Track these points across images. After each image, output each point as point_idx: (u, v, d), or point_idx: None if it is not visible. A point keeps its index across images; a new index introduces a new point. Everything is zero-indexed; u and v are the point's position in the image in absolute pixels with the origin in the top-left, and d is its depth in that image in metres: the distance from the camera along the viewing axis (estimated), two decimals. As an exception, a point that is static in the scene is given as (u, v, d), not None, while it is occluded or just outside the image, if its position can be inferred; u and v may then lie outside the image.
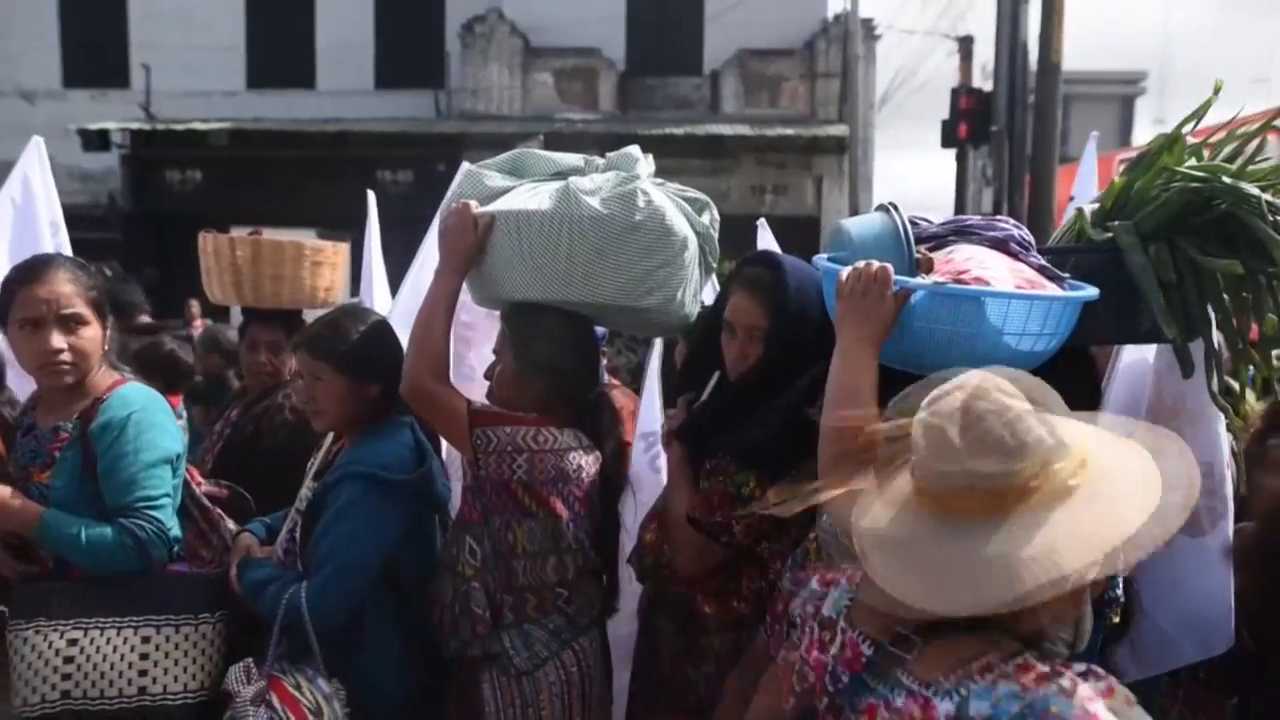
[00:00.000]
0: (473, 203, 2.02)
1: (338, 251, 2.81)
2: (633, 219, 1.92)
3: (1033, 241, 1.83)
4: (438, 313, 1.99)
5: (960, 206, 13.34)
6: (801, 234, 12.29)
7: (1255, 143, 1.91)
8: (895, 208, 1.73)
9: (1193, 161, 1.92)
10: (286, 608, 1.88)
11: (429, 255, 2.56)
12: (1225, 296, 1.83)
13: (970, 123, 12.05)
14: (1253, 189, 1.79)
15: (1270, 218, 1.77)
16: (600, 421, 2.06)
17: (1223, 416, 2.13)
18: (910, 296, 1.57)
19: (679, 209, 2.04)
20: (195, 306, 7.68)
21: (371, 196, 3.34)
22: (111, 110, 13.73)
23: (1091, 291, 1.76)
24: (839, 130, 13.22)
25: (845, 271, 1.59)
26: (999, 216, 1.91)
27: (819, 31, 13.87)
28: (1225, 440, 2.16)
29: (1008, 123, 11.39)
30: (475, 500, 1.95)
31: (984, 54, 14.83)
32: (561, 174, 2.07)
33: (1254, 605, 2.41)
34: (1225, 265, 1.77)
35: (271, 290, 2.66)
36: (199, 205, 13.01)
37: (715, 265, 2.14)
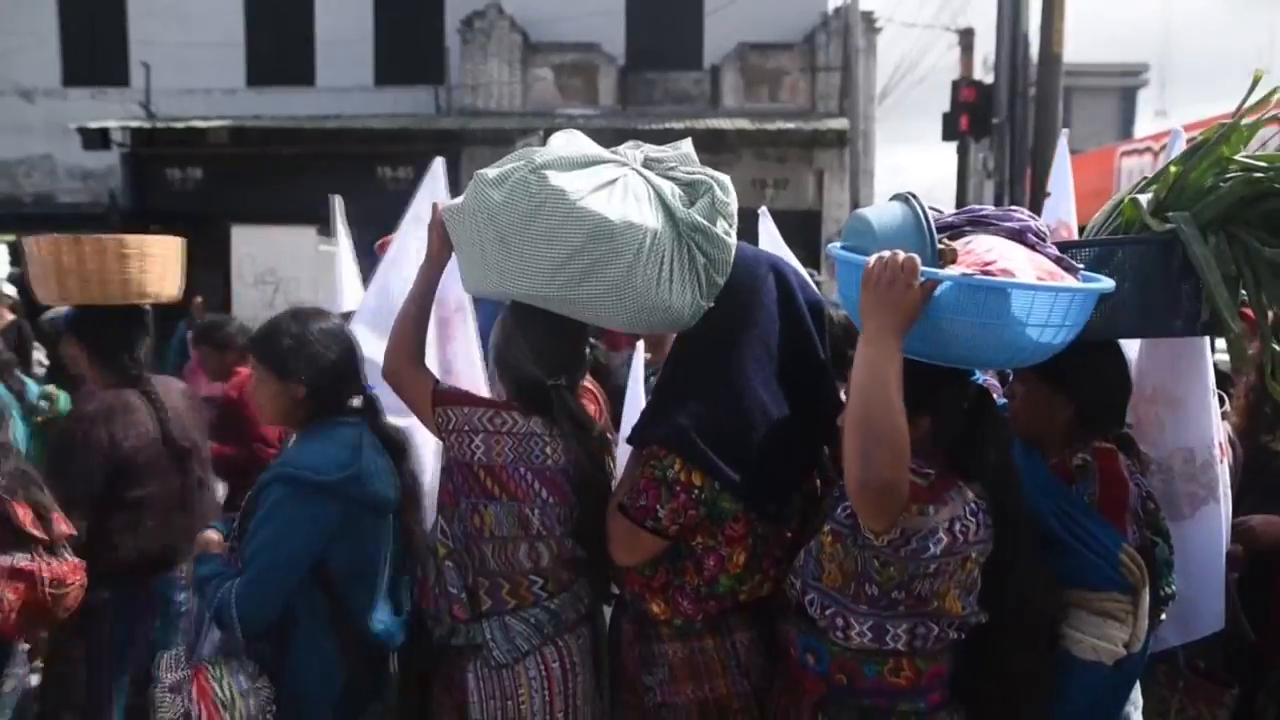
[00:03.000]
0: (440, 201, 2.07)
1: (165, 245, 2.69)
2: (528, 205, 1.84)
3: (1046, 233, 1.82)
4: (412, 301, 2.11)
5: (961, 199, 13.32)
6: (802, 227, 12.28)
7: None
8: (915, 197, 1.72)
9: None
10: (219, 605, 1.93)
11: (397, 254, 2.52)
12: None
13: (971, 115, 12.03)
14: None
15: None
16: (566, 417, 2.02)
17: (1209, 405, 2.15)
18: (936, 287, 1.56)
19: (644, 193, 1.91)
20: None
21: (337, 200, 3.30)
22: (111, 108, 13.72)
23: (1108, 284, 1.76)
24: (840, 124, 13.19)
25: (871, 261, 1.58)
26: (1014, 207, 1.90)
27: (819, 25, 13.84)
28: (1214, 428, 2.17)
29: (1009, 115, 11.37)
30: (448, 482, 1.99)
31: (985, 46, 14.81)
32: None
33: (1255, 595, 2.42)
34: None
35: (100, 289, 2.56)
36: (199, 203, 13.00)
37: (720, 255, 1.96)
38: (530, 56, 13.79)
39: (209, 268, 9.15)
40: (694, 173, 1.98)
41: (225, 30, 14.10)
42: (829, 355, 2.00)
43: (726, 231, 1.95)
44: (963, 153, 13.38)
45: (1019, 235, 1.78)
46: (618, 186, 1.89)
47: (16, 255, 8.04)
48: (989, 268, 1.64)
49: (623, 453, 2.29)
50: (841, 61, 13.61)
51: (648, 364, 3.47)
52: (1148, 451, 2.19)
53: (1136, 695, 2.04)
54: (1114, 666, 1.82)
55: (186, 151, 13.27)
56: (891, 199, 1.77)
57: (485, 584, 1.96)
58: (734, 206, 1.97)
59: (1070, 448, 1.94)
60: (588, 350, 3.23)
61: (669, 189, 1.94)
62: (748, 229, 3.43)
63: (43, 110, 14.08)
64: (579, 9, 13.24)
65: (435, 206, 2.07)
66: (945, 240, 1.71)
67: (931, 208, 1.79)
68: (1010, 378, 2.08)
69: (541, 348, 2.01)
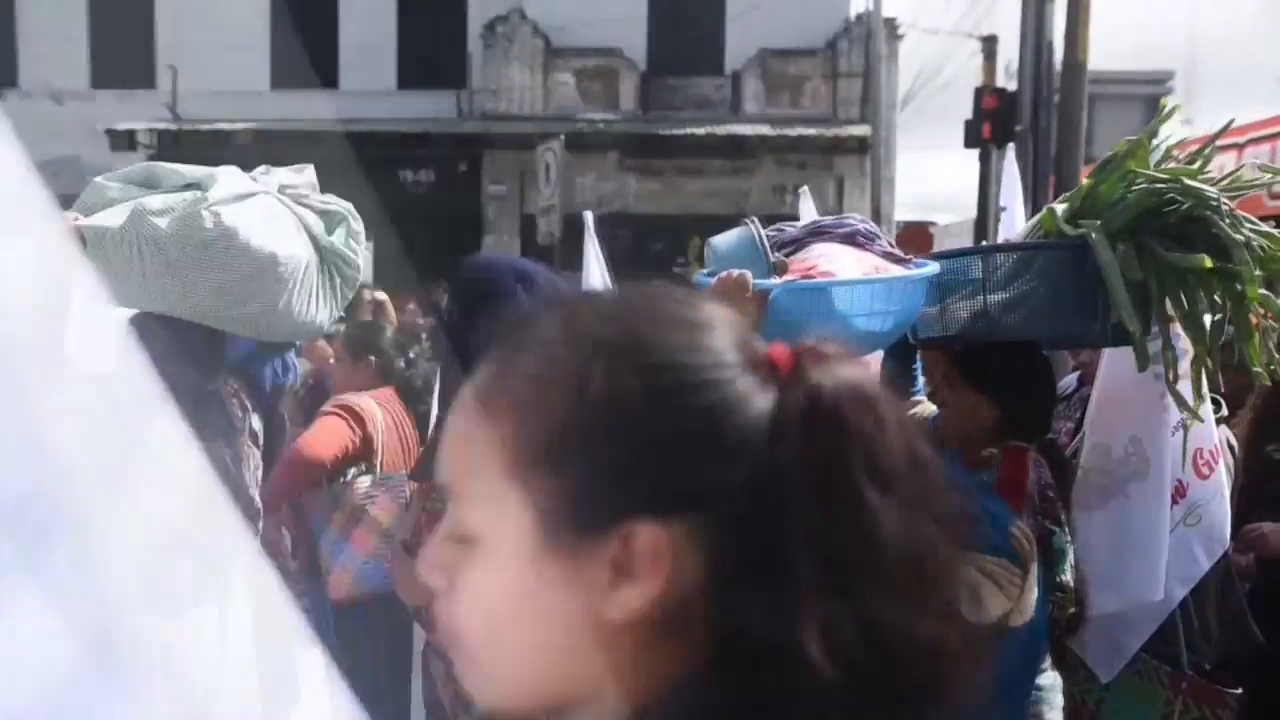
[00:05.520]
0: (71, 214, 2.12)
1: None
2: (199, 238, 2.03)
3: (878, 232, 2.05)
4: None
5: (983, 207, 13.24)
6: (822, 234, 12.26)
7: (1200, 160, 2.07)
8: (753, 221, 1.97)
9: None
10: None
11: None
12: (1183, 294, 1.97)
13: (994, 123, 11.95)
14: (1212, 190, 1.95)
15: (1229, 219, 1.93)
16: (209, 419, 2.16)
17: (1144, 402, 2.25)
18: (768, 296, 1.77)
19: (293, 224, 2.17)
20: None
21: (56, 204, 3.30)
22: (138, 110, 13.89)
23: (932, 268, 1.97)
24: (861, 130, 13.16)
25: (714, 281, 1.80)
26: (847, 214, 2.15)
27: (841, 31, 13.81)
28: (1145, 429, 2.26)
29: (1032, 122, 11.30)
30: None
31: (1008, 53, 14.72)
32: (192, 186, 2.20)
33: (1269, 601, 2.43)
34: (1194, 261, 1.88)
35: None
36: (223, 204, 13.13)
37: (352, 274, 2.30)
38: (552, 61, 13.84)
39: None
40: (328, 203, 2.31)
41: (250, 34, 14.24)
42: None
43: (357, 254, 2.31)
44: (985, 160, 13.30)
45: (850, 238, 2.00)
46: (275, 219, 2.16)
47: None
48: (810, 272, 1.86)
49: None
50: (863, 68, 13.57)
51: None
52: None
53: (1057, 698, 2.08)
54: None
55: (211, 153, 13.40)
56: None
57: None
58: (363, 232, 2.35)
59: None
60: (406, 366, 3.22)
61: (312, 218, 2.23)
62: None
63: (71, 112, 14.25)
64: (601, 14, 13.27)
65: (66, 218, 2.09)
66: (778, 255, 1.93)
67: (778, 227, 2.05)
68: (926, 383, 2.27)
69: (200, 355, 2.17)
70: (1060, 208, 2.12)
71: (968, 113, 12.35)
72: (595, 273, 2.88)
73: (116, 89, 14.42)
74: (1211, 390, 2.23)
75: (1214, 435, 2.33)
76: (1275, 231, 1.97)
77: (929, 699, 0.55)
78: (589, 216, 3.03)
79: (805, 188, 3.07)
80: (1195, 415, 2.10)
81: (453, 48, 14.22)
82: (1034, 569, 1.90)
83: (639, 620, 0.54)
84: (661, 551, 0.53)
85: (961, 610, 0.57)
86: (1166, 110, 2.20)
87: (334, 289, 2.26)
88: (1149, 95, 29.66)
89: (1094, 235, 1.94)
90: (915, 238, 13.56)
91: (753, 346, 0.57)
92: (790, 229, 2.07)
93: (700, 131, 12.94)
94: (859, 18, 13.81)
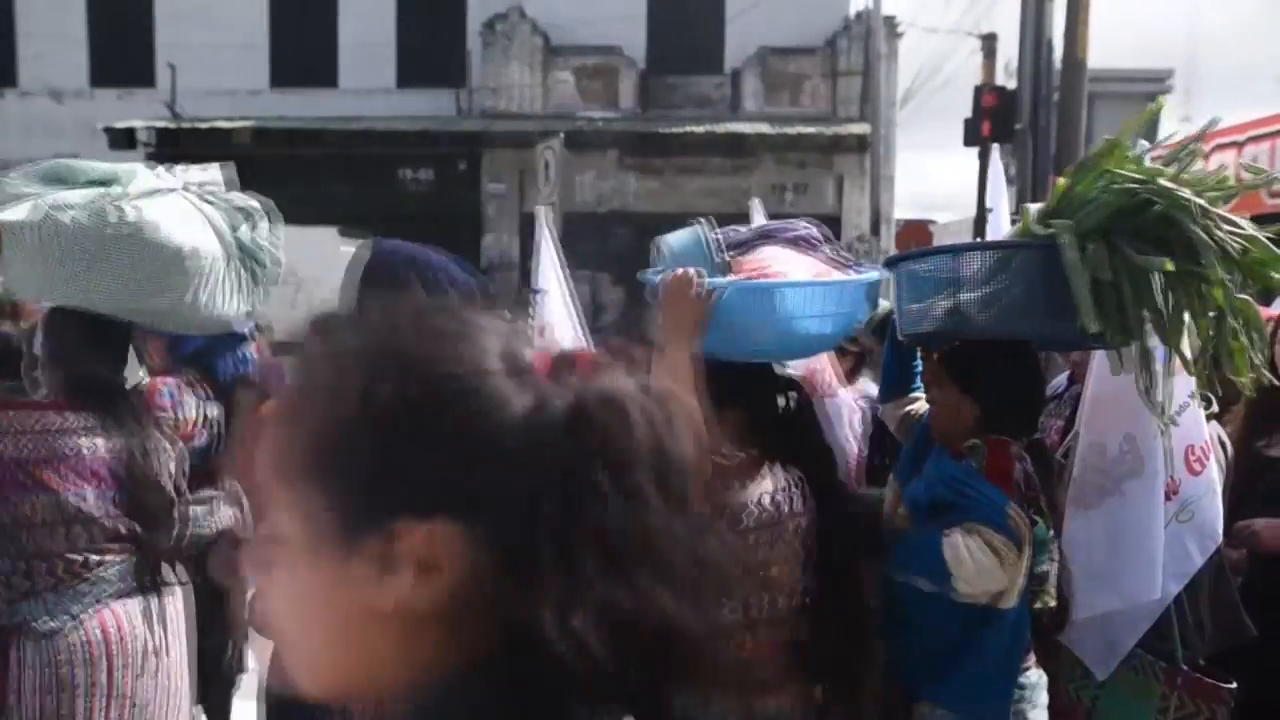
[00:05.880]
0: None
1: None
2: (107, 232, 2.09)
3: (823, 236, 2.09)
4: None
5: (982, 205, 13.24)
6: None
7: (1186, 155, 2.03)
8: (703, 222, 2.00)
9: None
10: None
11: None
12: (1157, 296, 1.93)
13: (993, 121, 11.95)
14: (1186, 192, 1.91)
15: (1202, 221, 1.88)
16: (116, 409, 2.23)
17: (1137, 400, 2.22)
18: (717, 294, 1.81)
19: (201, 220, 2.24)
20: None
21: None
22: (137, 109, 13.87)
23: (875, 274, 2.02)
24: (860, 128, 13.16)
25: (664, 279, 1.84)
26: (794, 219, 2.16)
27: (840, 29, 13.80)
28: (1139, 427, 2.26)
29: (1031, 121, 11.30)
30: None
31: (1008, 51, 14.71)
32: (102, 182, 2.24)
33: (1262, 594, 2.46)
34: (1157, 263, 1.86)
35: None
36: (223, 203, 13.11)
37: (270, 269, 2.39)
38: (551, 59, 13.83)
39: (231, 267, 9.24)
40: (248, 200, 2.40)
41: (250, 32, 14.23)
42: None
43: (276, 246, 2.40)
44: (984, 158, 13.30)
45: (797, 242, 2.04)
46: (184, 215, 2.23)
47: None
48: (762, 272, 1.90)
49: None
50: (863, 66, 13.57)
51: None
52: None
53: (1041, 697, 2.08)
54: (962, 612, 1.91)
55: (210, 152, 13.30)
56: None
57: (23, 566, 2.10)
58: (280, 228, 2.43)
59: None
60: None
61: (221, 215, 2.31)
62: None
63: (71, 111, 14.25)
64: (600, 12, 13.27)
65: None
66: (728, 255, 1.97)
67: (733, 229, 2.07)
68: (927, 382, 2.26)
69: (110, 348, 2.24)
70: (1034, 207, 2.11)
71: (967, 111, 12.34)
72: (549, 271, 2.85)
73: (116, 88, 14.40)
74: (1219, 387, 2.22)
75: (1205, 431, 2.34)
76: (1260, 235, 1.92)
77: (675, 683, 0.60)
78: (543, 212, 3.02)
79: (756, 199, 3.08)
80: (1171, 419, 2.09)
81: (452, 46, 14.22)
82: (1027, 551, 1.93)
83: (424, 615, 0.58)
84: (431, 549, 0.57)
85: (721, 598, 0.62)
86: (1150, 110, 2.19)
87: (244, 283, 2.35)
88: (1148, 94, 29.64)
89: (1062, 234, 1.92)
90: (915, 236, 13.57)
91: (515, 354, 0.61)
92: (740, 231, 2.10)
93: (700, 130, 12.94)
94: (858, 16, 13.80)
